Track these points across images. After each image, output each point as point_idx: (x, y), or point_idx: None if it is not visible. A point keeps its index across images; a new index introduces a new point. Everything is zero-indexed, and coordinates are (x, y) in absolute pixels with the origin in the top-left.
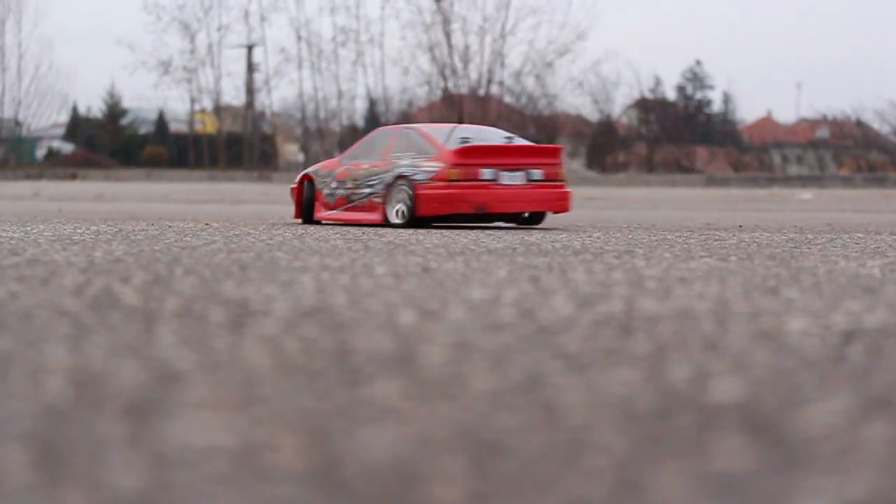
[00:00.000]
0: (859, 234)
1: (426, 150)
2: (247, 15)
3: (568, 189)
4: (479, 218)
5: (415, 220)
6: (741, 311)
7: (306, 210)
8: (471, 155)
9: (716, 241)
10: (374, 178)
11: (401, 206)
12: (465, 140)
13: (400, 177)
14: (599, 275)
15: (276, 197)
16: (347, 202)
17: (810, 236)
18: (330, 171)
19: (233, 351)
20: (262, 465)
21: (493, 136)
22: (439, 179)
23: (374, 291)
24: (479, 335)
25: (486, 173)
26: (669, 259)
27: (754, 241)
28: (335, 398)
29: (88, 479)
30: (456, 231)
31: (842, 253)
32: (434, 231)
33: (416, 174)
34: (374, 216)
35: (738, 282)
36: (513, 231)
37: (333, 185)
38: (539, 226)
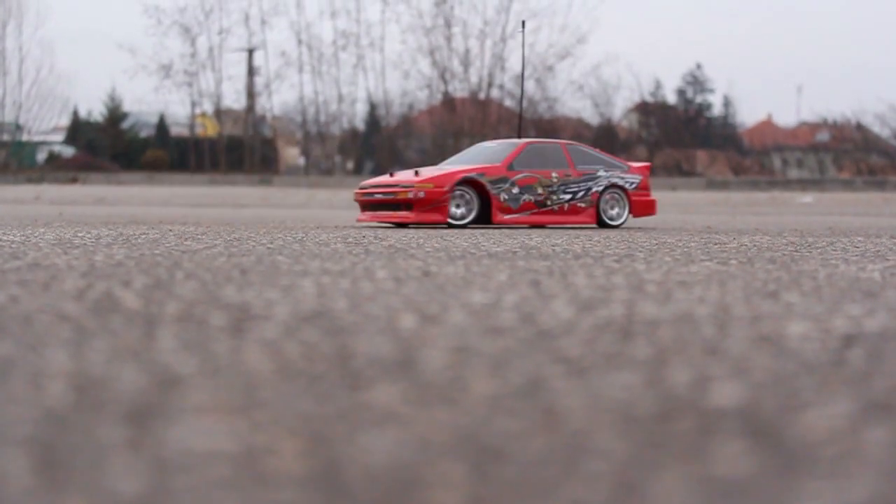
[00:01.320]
0: (859, 238)
1: (616, 165)
2: (247, 18)
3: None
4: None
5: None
6: (741, 314)
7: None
8: (646, 171)
9: (716, 244)
10: (573, 185)
11: (617, 210)
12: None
13: (613, 185)
14: (600, 279)
15: (278, 201)
16: (541, 208)
17: (810, 240)
18: (502, 177)
19: (233, 355)
20: (262, 469)
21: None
22: (643, 188)
23: (374, 295)
24: (480, 339)
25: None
26: (670, 263)
27: (754, 245)
28: (335, 402)
29: (89, 484)
30: (456, 235)
31: (842, 257)
32: (434, 235)
33: (626, 184)
34: (582, 217)
35: (739, 285)
36: (513, 235)
37: (515, 190)
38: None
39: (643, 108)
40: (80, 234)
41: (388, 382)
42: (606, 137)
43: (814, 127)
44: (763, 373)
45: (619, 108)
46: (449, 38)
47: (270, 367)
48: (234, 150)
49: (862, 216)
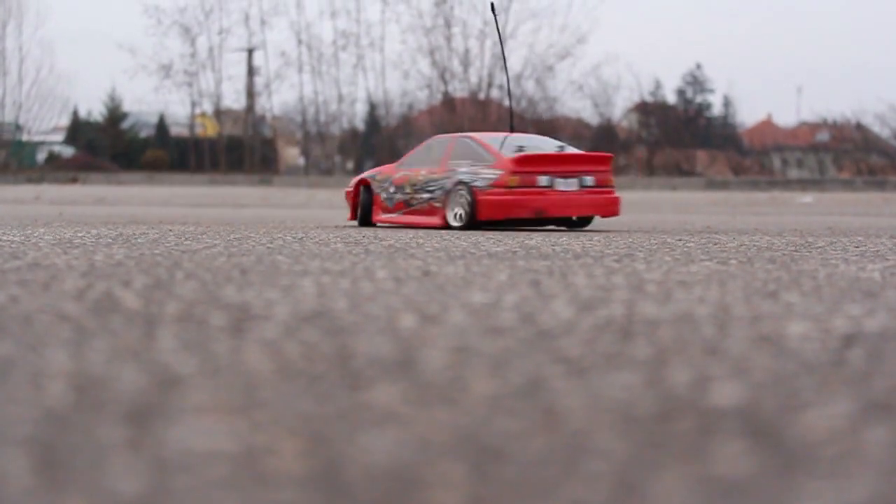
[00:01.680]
0: (859, 238)
1: (484, 158)
2: (247, 18)
3: (617, 195)
4: (532, 221)
5: (474, 224)
6: (741, 314)
7: (364, 213)
8: (528, 163)
9: (716, 244)
10: (432, 183)
11: (459, 210)
12: (520, 149)
13: (459, 183)
14: (600, 279)
15: (278, 201)
16: (406, 206)
17: (810, 240)
18: (387, 176)
19: (233, 355)
20: (262, 469)
21: (546, 144)
22: (499, 186)
23: (374, 295)
24: (480, 339)
25: (543, 180)
26: (670, 263)
27: (754, 245)
28: (335, 402)
29: (89, 484)
30: (456, 235)
31: (842, 256)
32: (434, 235)
33: (475, 181)
34: (434, 219)
35: (739, 285)
36: (513, 235)
37: (391, 189)
38: (587, 227)
39: (643, 108)
40: (79, 234)
41: (388, 382)
42: (606, 137)
43: (814, 127)
44: (763, 373)
45: (619, 108)
46: (449, 38)
47: (270, 367)
48: (234, 150)
49: (862, 216)
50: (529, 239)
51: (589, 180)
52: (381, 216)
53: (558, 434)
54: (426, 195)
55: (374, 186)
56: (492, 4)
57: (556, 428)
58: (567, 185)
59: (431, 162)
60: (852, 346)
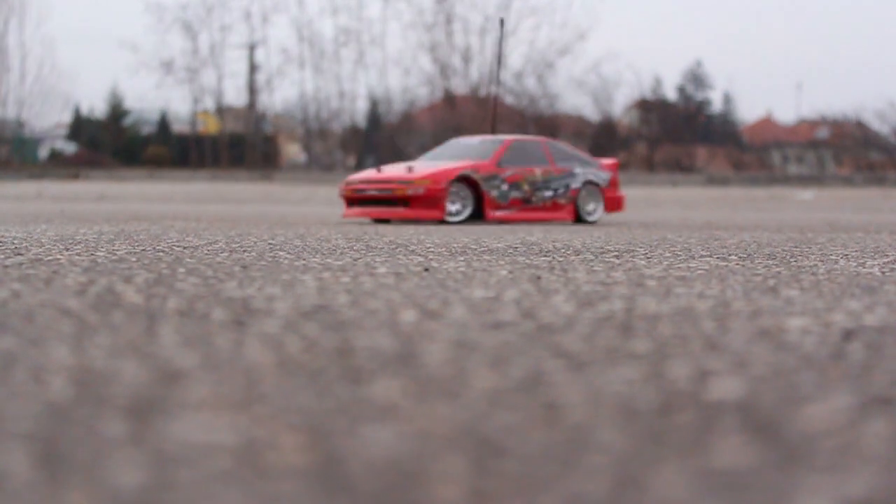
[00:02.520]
0: (859, 234)
1: (589, 163)
2: (249, 15)
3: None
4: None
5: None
6: (741, 309)
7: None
8: (615, 168)
9: (716, 240)
10: (554, 182)
11: (593, 206)
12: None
13: (588, 182)
14: (600, 274)
15: (280, 197)
16: (526, 204)
17: (810, 236)
18: (493, 175)
19: (234, 350)
20: (263, 463)
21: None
22: (613, 185)
23: (375, 291)
24: (480, 334)
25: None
26: (670, 258)
27: (754, 241)
28: (336, 397)
29: (90, 478)
30: (456, 231)
31: (842, 252)
32: (434, 231)
33: (600, 181)
34: (562, 214)
35: (739, 281)
36: (513, 231)
37: (504, 187)
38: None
39: (643, 105)
40: (81, 231)
41: (389, 377)
42: (607, 134)
43: (813, 124)
44: (763, 367)
45: (620, 105)
46: (450, 35)
47: (271, 361)
48: (236, 146)
49: (862, 212)
50: (530, 235)
51: (615, 180)
52: (495, 213)
53: (559, 428)
54: (548, 193)
55: (482, 185)
56: (501, 20)
57: (556, 422)
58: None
59: (535, 161)
60: (852, 341)
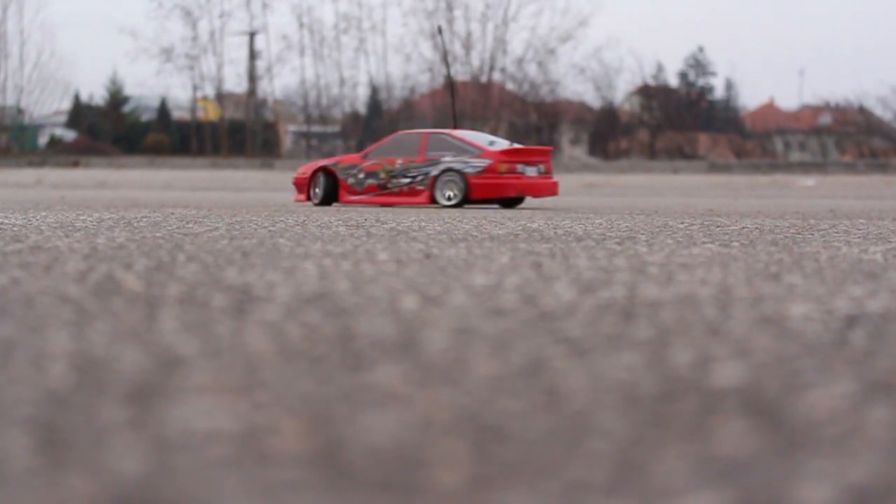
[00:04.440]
0: (862, 221)
1: (468, 151)
2: (249, 2)
3: (556, 179)
4: (492, 200)
5: (464, 202)
6: (743, 296)
7: (328, 195)
8: (512, 155)
9: (718, 227)
10: (413, 170)
11: (450, 192)
12: (492, 143)
13: (448, 170)
14: (602, 261)
15: (279, 184)
16: (381, 189)
17: (813, 222)
18: (354, 164)
19: (235, 336)
20: (264, 449)
21: (499, 140)
22: (489, 172)
23: (376, 277)
24: (481, 321)
25: (519, 168)
26: (672, 245)
27: (756, 227)
28: (337, 383)
29: (91, 464)
30: (458, 218)
31: (844, 239)
32: (436, 218)
33: (465, 168)
34: (420, 199)
35: (741, 267)
36: (515, 218)
37: (361, 175)
38: (521, 205)
39: (645, 91)
40: (81, 218)
41: (390, 363)
42: (608, 121)
43: (816, 110)
44: (765, 353)
45: (621, 92)
46: (450, 21)
47: (272, 348)
48: (236, 133)
49: (864, 199)
50: (531, 222)
51: (542, 168)
52: (349, 198)
53: (560, 414)
54: (405, 180)
55: (339, 173)
56: (439, 27)
57: (557, 408)
58: (532, 172)
59: (405, 153)
60: (854, 327)
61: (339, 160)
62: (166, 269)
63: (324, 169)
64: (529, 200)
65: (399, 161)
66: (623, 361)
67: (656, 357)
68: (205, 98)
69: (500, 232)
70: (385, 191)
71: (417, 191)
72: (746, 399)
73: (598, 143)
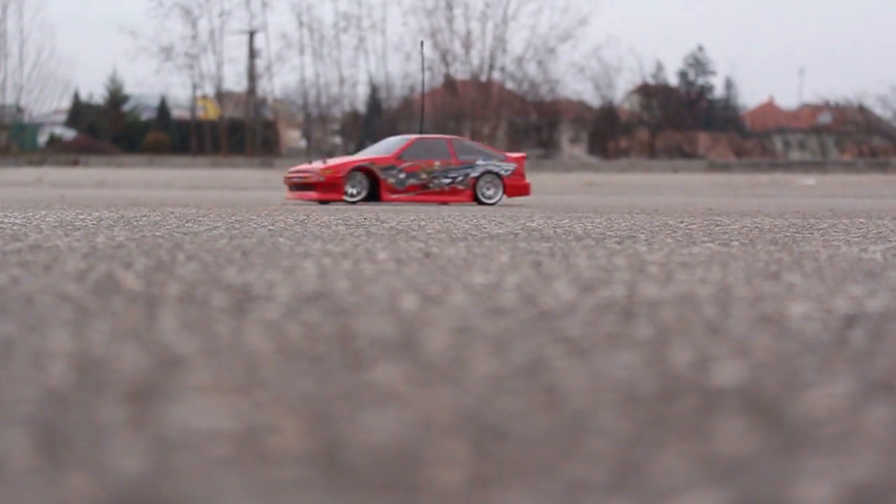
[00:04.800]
0: (861, 220)
1: (495, 156)
2: (248, 1)
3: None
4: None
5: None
6: (743, 295)
7: (371, 193)
8: (522, 160)
9: (717, 226)
10: (452, 172)
11: (490, 191)
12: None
13: (488, 172)
14: (601, 260)
15: (279, 183)
16: (424, 189)
17: (812, 221)
18: (391, 165)
19: (235, 335)
20: (263, 448)
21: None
22: (517, 174)
23: (376, 277)
24: (481, 320)
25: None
26: (671, 244)
27: (756, 227)
28: (337, 382)
29: (91, 463)
30: (457, 217)
31: (844, 238)
32: (435, 217)
33: (501, 171)
34: (462, 197)
35: (740, 266)
36: (514, 217)
37: (402, 175)
38: (520, 205)
39: (645, 91)
40: (81, 217)
41: (390, 362)
42: (608, 120)
43: (816, 109)
44: (765, 352)
45: (621, 91)
46: (450, 20)
47: (272, 347)
48: (236, 132)
49: (864, 198)
50: (531, 221)
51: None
52: (391, 196)
53: (560, 413)
54: (446, 180)
55: (379, 173)
56: (421, 42)
57: (557, 407)
58: (523, 173)
59: (438, 155)
60: (854, 326)
61: (374, 159)
62: (166, 268)
63: (360, 168)
64: (529, 200)
65: (437, 163)
66: (623, 361)
67: (656, 356)
68: (204, 97)
69: (500, 231)
70: (427, 190)
71: (459, 190)
72: (746, 398)
73: (598, 142)
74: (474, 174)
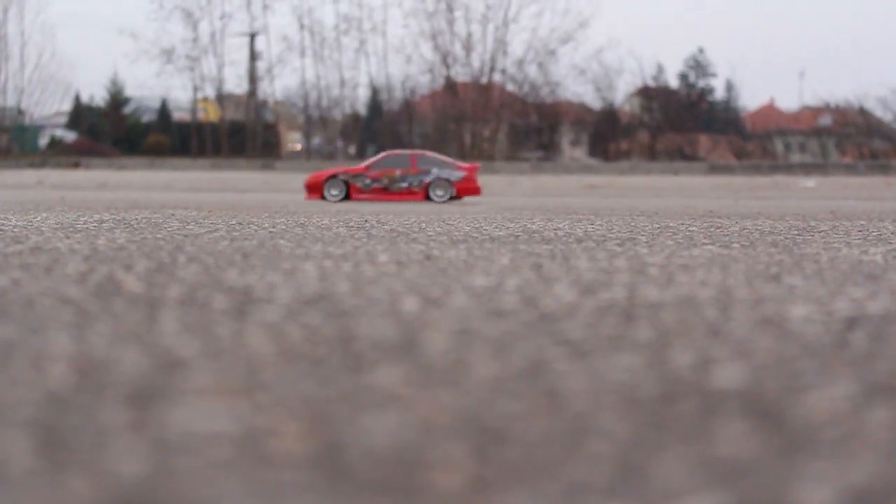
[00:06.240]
0: (862, 222)
1: (449, 165)
2: (249, 3)
3: (478, 185)
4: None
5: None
6: (743, 297)
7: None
8: (475, 169)
9: (718, 228)
10: (409, 178)
11: (443, 192)
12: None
13: (438, 178)
14: (602, 262)
15: (280, 185)
16: (386, 191)
17: (813, 223)
18: (360, 174)
19: (235, 338)
20: (264, 451)
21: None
22: (468, 180)
23: (376, 279)
24: (482, 322)
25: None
26: (672, 246)
27: (757, 229)
28: (338, 385)
29: (91, 466)
30: (458, 220)
31: (844, 240)
32: (436, 220)
33: (451, 177)
34: (416, 197)
35: (741, 269)
36: (515, 219)
37: (368, 181)
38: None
39: (645, 93)
40: (82, 219)
41: (391, 365)
42: (608, 121)
43: (816, 111)
44: (765, 355)
45: (622, 93)
46: (451, 23)
47: (272, 349)
48: (236, 134)
49: (864, 200)
50: (531, 223)
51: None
52: (360, 195)
53: (560, 416)
54: (404, 184)
55: (350, 180)
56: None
57: (558, 410)
58: (474, 178)
59: (400, 166)
60: (855, 329)
61: (347, 170)
62: (167, 270)
63: (334, 176)
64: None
65: (398, 172)
66: (623, 363)
67: (657, 359)
68: (205, 99)
69: (501, 233)
70: (387, 191)
71: (414, 191)
72: (747, 401)
73: (599, 144)
74: (427, 179)
